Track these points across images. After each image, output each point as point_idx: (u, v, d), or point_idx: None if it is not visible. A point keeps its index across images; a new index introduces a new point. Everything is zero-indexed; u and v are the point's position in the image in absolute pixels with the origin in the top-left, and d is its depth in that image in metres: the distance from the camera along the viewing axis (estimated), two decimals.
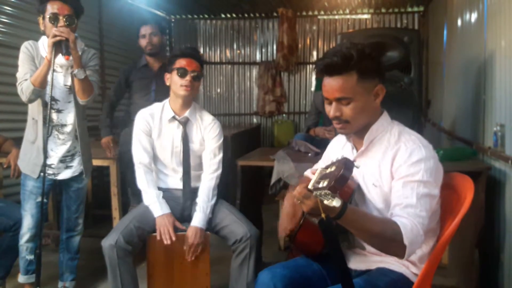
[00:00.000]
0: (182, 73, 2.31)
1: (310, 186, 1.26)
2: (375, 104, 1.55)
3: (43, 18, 2.37)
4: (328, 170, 1.26)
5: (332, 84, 1.51)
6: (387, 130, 1.57)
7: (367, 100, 1.52)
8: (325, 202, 1.20)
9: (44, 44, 2.42)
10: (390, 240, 1.35)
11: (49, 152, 2.46)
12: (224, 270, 2.71)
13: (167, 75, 2.39)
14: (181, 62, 2.33)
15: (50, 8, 2.33)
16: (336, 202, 1.18)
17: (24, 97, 2.36)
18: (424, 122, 5.35)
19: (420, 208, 1.40)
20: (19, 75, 2.39)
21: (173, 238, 2.25)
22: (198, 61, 2.37)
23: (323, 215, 1.25)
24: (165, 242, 2.25)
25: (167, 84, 2.40)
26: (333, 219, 1.29)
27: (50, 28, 2.33)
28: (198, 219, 2.31)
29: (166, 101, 2.44)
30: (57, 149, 2.52)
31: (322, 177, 1.25)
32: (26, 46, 2.43)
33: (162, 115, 2.42)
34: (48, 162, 2.46)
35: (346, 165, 1.22)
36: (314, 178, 1.29)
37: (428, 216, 1.43)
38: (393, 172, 1.50)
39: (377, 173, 1.54)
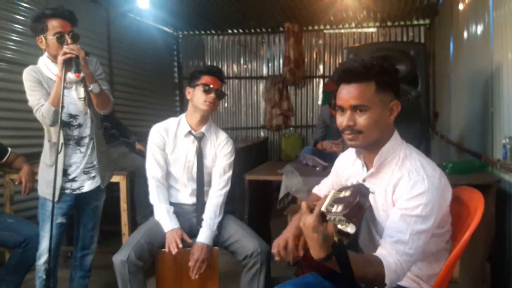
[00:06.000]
0: (208, 90, 2.35)
1: (323, 209, 1.22)
2: (389, 120, 1.51)
3: (45, 38, 2.29)
4: (342, 195, 1.22)
5: (349, 91, 1.47)
6: (397, 153, 1.53)
7: (382, 113, 1.48)
8: (340, 226, 1.15)
9: (46, 64, 2.37)
10: (371, 280, 1.35)
11: (73, 166, 2.46)
12: (233, 286, 2.69)
13: (188, 89, 2.41)
14: (206, 79, 2.36)
15: (51, 27, 2.27)
16: (350, 229, 1.13)
17: (47, 121, 2.30)
18: (432, 134, 5.33)
19: (410, 245, 1.38)
20: (33, 102, 2.32)
21: (180, 245, 2.22)
22: (221, 81, 2.44)
23: (335, 239, 1.21)
24: (173, 252, 2.22)
25: (188, 98, 2.41)
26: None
27: (54, 46, 2.28)
28: (204, 236, 2.30)
29: (183, 116, 2.45)
30: (79, 162, 2.49)
31: (336, 200, 1.21)
32: (29, 73, 2.33)
33: (178, 130, 2.43)
34: (72, 176, 2.46)
35: (361, 192, 1.18)
36: (327, 201, 1.25)
37: (419, 252, 1.41)
38: (394, 200, 1.48)
39: (384, 197, 1.52)
